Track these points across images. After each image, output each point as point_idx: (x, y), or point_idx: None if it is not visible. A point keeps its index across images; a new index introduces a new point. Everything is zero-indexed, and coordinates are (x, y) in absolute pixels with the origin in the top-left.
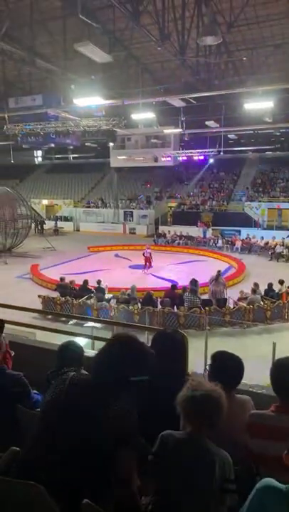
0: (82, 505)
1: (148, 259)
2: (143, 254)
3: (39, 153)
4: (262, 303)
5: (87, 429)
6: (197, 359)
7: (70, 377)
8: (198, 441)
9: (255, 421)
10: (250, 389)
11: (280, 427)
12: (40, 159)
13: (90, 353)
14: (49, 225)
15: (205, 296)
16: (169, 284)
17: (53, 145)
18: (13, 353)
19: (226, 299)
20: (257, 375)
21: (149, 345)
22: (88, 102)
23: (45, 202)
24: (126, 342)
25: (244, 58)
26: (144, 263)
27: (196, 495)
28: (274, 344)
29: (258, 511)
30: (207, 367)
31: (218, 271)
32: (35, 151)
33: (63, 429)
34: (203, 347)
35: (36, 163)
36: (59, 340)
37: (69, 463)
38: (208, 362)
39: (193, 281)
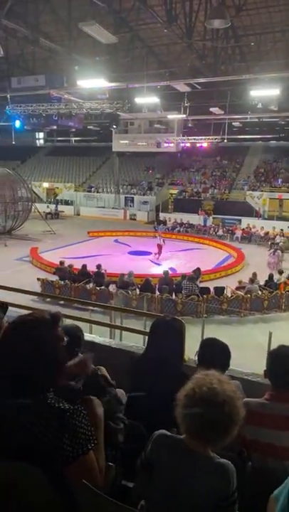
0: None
1: (160, 247)
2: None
3: (41, 135)
4: (260, 292)
5: None
6: (194, 346)
7: None
8: (198, 452)
9: (248, 408)
10: (245, 377)
11: (274, 414)
12: (41, 141)
13: (87, 337)
14: (41, 208)
15: (206, 284)
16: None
17: (55, 127)
18: None
19: (271, 274)
20: (252, 364)
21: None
22: (92, 83)
23: (45, 185)
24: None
25: (252, 43)
26: (157, 250)
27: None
28: (270, 333)
29: None
30: (196, 354)
31: (276, 244)
32: (36, 133)
33: None
34: (200, 334)
35: (38, 145)
36: None
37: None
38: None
39: (197, 270)
